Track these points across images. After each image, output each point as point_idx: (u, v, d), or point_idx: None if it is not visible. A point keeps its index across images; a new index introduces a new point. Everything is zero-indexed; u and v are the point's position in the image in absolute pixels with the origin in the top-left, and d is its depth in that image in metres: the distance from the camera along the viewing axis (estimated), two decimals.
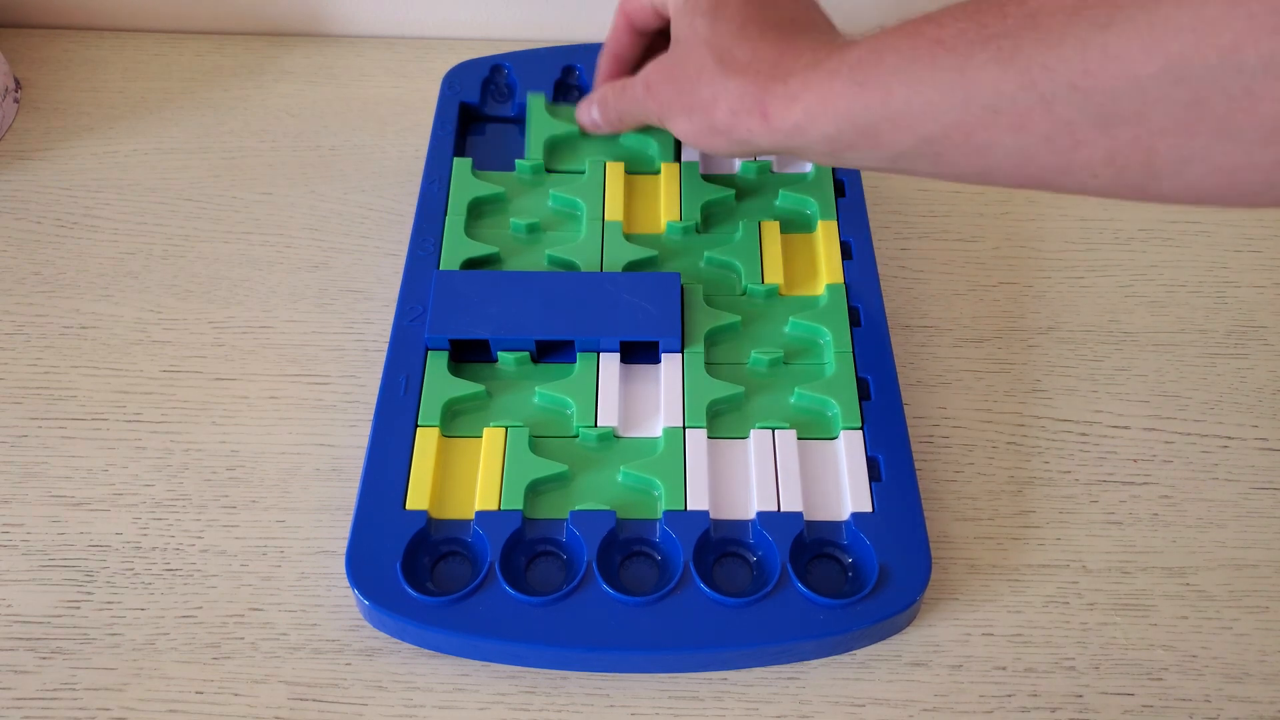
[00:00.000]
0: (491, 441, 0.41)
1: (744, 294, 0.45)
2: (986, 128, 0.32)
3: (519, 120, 0.52)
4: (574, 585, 0.37)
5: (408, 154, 0.56)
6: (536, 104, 0.51)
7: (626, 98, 0.46)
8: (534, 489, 0.40)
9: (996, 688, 0.38)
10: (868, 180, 0.52)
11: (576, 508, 0.39)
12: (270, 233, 0.52)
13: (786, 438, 0.41)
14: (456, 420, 0.42)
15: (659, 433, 0.41)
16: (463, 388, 0.42)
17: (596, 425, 0.41)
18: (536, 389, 0.42)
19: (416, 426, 0.41)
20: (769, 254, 0.46)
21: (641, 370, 0.43)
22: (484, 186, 0.49)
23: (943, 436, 0.45)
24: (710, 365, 0.43)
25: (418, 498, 0.39)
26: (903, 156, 0.35)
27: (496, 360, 0.43)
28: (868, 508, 0.39)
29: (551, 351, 0.44)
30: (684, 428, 0.41)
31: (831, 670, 0.38)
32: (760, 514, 0.39)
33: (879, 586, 0.37)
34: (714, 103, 0.39)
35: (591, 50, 0.54)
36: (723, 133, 0.40)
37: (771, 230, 0.47)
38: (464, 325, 0.43)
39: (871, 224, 0.50)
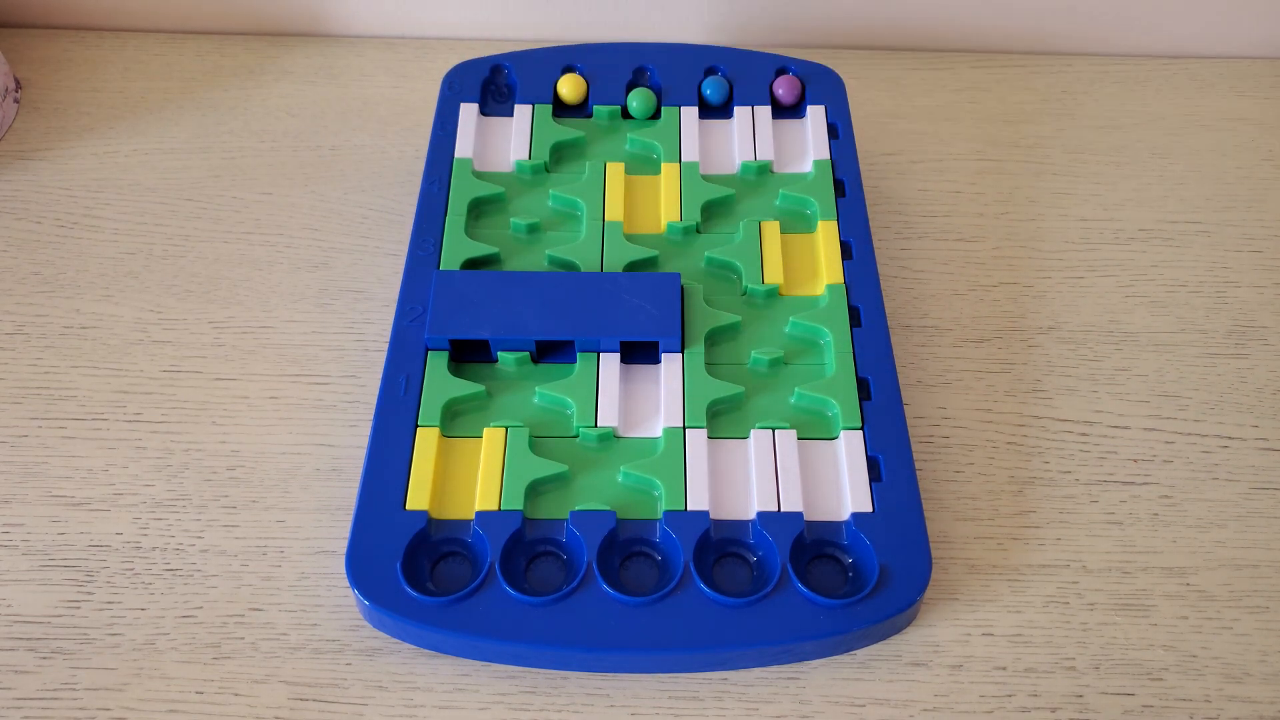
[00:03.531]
0: (491, 441, 0.41)
1: (744, 294, 0.45)
2: None
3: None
4: (574, 585, 0.37)
5: (408, 154, 0.56)
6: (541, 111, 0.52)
7: None
8: (534, 489, 0.40)
9: (996, 688, 0.38)
10: (868, 180, 0.52)
11: (576, 508, 0.39)
12: (270, 233, 0.52)
13: (786, 438, 0.41)
14: (456, 420, 0.42)
15: (659, 433, 0.41)
16: (463, 388, 0.42)
17: (596, 425, 0.41)
18: (536, 389, 0.42)
19: (416, 427, 0.41)
20: (769, 254, 0.46)
21: (641, 370, 0.43)
22: (484, 186, 0.49)
23: (943, 436, 0.45)
24: (710, 365, 0.43)
25: (418, 498, 0.39)
26: None
27: (496, 360, 0.43)
28: (868, 508, 0.39)
29: (551, 351, 0.44)
30: (684, 428, 0.41)
31: (831, 670, 0.38)
32: (760, 514, 0.39)
33: (879, 587, 0.37)
34: None
35: (591, 50, 0.54)
36: None
37: (771, 230, 0.47)
38: (464, 325, 0.43)
39: (871, 224, 0.50)
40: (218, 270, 0.50)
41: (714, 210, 0.48)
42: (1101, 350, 0.48)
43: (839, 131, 0.51)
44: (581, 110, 0.52)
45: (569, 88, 0.52)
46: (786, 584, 0.37)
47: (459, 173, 0.49)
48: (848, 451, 0.40)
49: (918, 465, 0.43)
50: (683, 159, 0.50)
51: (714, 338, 0.44)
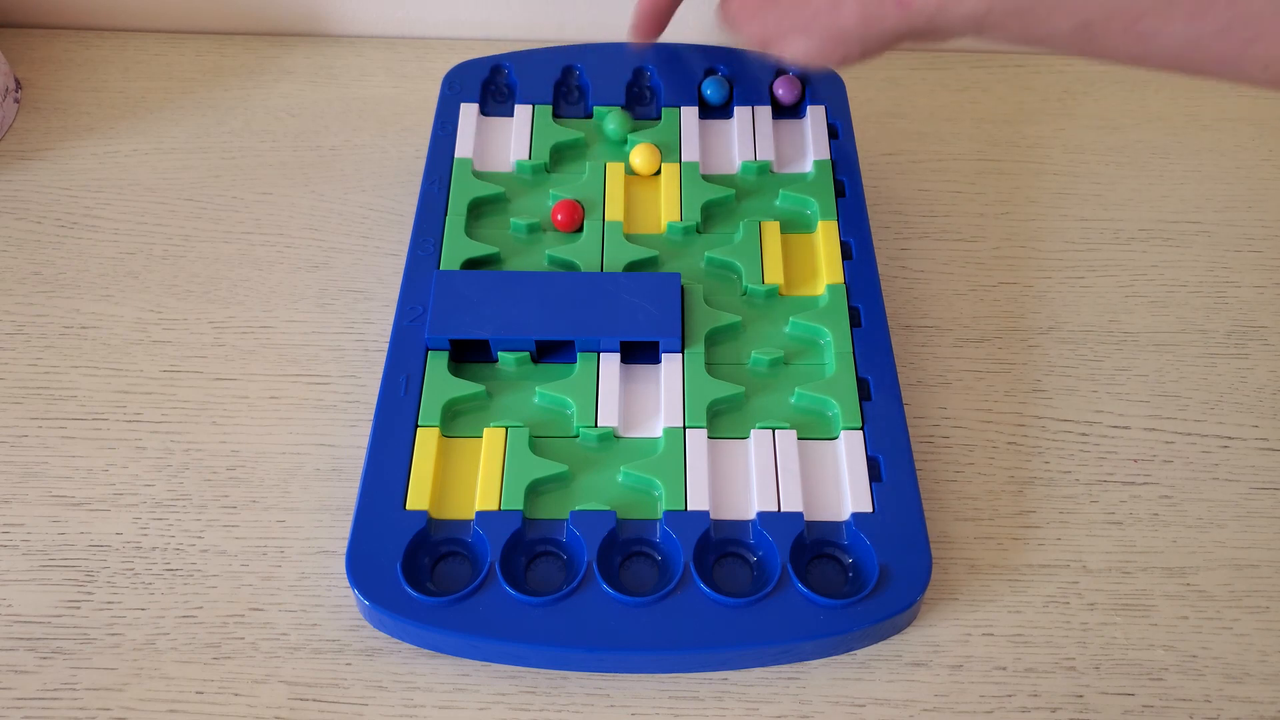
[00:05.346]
0: (492, 441, 0.41)
1: (744, 294, 0.45)
2: (1158, 14, 0.31)
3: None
4: (574, 585, 0.37)
5: (408, 154, 0.56)
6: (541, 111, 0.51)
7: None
8: (534, 489, 0.40)
9: (996, 688, 0.38)
10: (868, 180, 0.52)
11: (577, 508, 0.39)
12: (270, 233, 0.52)
13: (787, 438, 0.41)
14: (457, 420, 0.42)
15: (659, 433, 0.41)
16: (463, 388, 0.42)
17: (597, 425, 0.41)
18: (537, 389, 0.42)
19: (417, 427, 0.41)
20: (769, 254, 0.46)
21: (641, 370, 0.43)
22: (484, 186, 0.49)
23: (943, 436, 0.45)
24: (710, 365, 0.43)
25: (418, 498, 0.39)
26: (1053, 38, 0.34)
27: (496, 360, 0.43)
28: (868, 508, 0.39)
29: (551, 351, 0.44)
30: (684, 428, 0.41)
31: (832, 670, 0.38)
32: (760, 514, 0.39)
33: (879, 587, 0.37)
34: (836, 8, 0.37)
35: (591, 50, 0.54)
36: (854, 38, 0.38)
37: (772, 230, 0.47)
38: (464, 325, 0.43)
39: (871, 224, 0.50)
40: (218, 270, 0.50)
41: (714, 210, 0.48)
42: (1101, 350, 0.48)
43: (839, 131, 0.51)
44: (588, 115, 0.52)
45: (642, 159, 0.49)
46: (786, 584, 0.37)
47: (459, 173, 0.49)
48: (848, 451, 0.40)
49: (918, 465, 0.43)
50: (683, 159, 0.50)
51: (714, 338, 0.44)
